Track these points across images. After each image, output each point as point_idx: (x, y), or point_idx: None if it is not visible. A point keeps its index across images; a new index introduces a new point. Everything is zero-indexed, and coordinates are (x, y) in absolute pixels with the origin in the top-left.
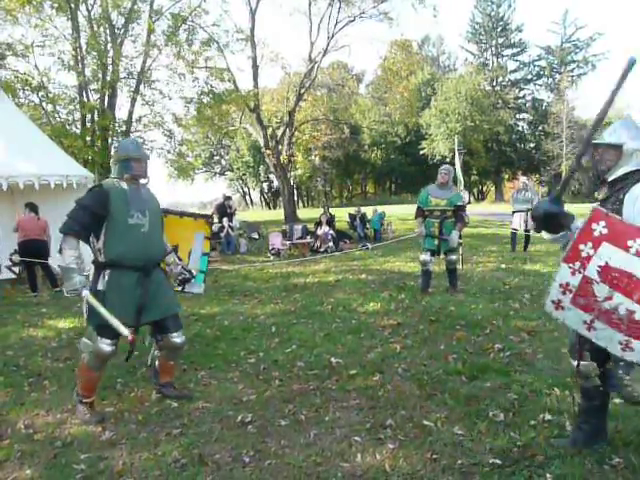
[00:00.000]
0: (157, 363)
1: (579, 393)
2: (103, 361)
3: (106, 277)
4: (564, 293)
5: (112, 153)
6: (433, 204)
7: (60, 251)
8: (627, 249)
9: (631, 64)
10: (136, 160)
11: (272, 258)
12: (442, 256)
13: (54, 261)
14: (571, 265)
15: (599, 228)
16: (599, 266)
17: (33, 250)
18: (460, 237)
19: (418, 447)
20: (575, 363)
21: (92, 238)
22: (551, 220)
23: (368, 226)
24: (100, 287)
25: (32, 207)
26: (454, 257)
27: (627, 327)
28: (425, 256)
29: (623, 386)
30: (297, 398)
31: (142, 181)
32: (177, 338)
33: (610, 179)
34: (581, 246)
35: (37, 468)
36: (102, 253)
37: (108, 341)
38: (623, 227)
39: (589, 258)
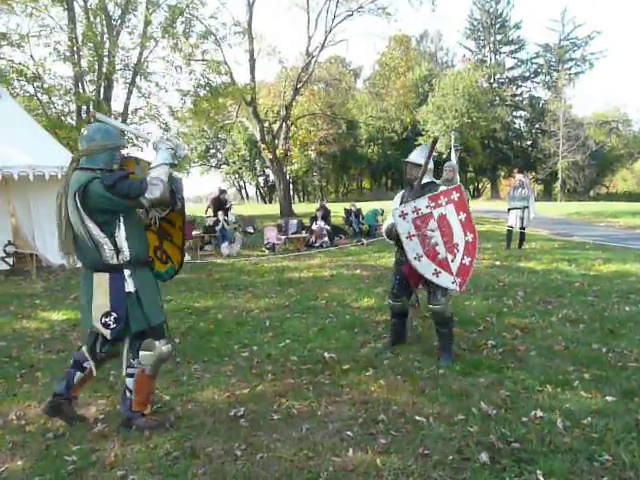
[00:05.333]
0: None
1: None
2: (163, 363)
3: (131, 277)
4: (413, 212)
5: (89, 140)
6: None
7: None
8: (458, 214)
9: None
10: (121, 149)
11: (267, 252)
12: None
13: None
14: (428, 202)
15: (455, 196)
16: (441, 213)
17: None
18: None
19: (410, 442)
20: (397, 303)
21: (102, 238)
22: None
23: (363, 221)
24: (130, 289)
25: None
26: None
27: (428, 250)
28: None
29: (437, 306)
30: (290, 392)
31: None
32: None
33: (423, 182)
34: (442, 197)
35: (28, 459)
36: (121, 251)
37: (165, 340)
38: (463, 203)
39: (440, 206)
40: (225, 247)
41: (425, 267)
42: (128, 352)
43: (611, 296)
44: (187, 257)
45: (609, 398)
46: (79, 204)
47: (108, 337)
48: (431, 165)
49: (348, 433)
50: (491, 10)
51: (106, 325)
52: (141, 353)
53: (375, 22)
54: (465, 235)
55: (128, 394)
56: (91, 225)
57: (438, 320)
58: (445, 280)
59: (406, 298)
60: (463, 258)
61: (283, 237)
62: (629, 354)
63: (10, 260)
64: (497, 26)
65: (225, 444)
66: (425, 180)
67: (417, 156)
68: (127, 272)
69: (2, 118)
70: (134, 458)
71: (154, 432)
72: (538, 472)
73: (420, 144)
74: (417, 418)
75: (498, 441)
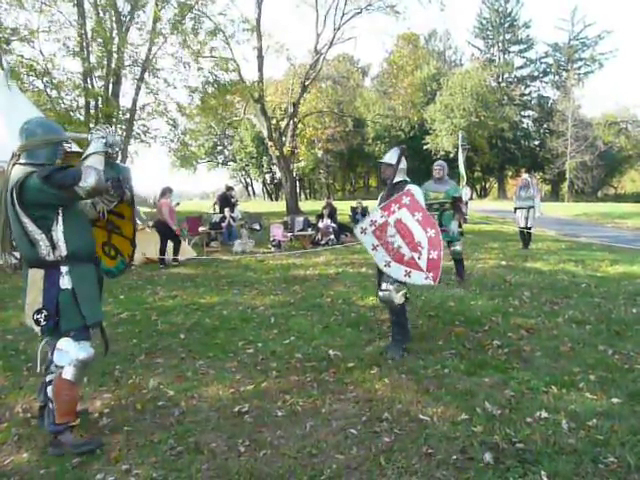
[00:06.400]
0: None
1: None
2: (86, 368)
3: (69, 274)
4: (371, 225)
5: (29, 135)
6: (432, 197)
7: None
8: (413, 215)
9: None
10: (63, 143)
11: (273, 249)
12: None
13: None
14: (383, 213)
15: (406, 200)
16: (397, 218)
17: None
18: (460, 227)
19: (413, 441)
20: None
21: (38, 235)
22: None
23: None
24: (66, 285)
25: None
26: (459, 248)
27: (394, 255)
28: None
29: (386, 293)
30: (294, 389)
31: None
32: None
33: (396, 181)
34: (393, 205)
35: (34, 452)
36: (58, 247)
37: (88, 342)
38: (416, 204)
39: (393, 213)
40: (238, 244)
41: (396, 271)
42: (43, 351)
43: (618, 298)
44: (193, 253)
45: (615, 400)
46: (15, 199)
47: (39, 334)
48: (403, 165)
49: (352, 431)
50: (500, 9)
51: (37, 322)
52: (56, 355)
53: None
54: (426, 232)
55: (50, 405)
56: (26, 221)
57: (388, 307)
58: (418, 278)
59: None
60: (430, 253)
61: (289, 234)
62: (635, 356)
63: (17, 254)
64: (506, 25)
65: (229, 440)
66: (398, 179)
67: (390, 157)
68: (64, 269)
69: (11, 112)
70: (138, 452)
71: (158, 427)
72: (542, 473)
73: (427, 143)
74: (421, 417)
75: (502, 441)
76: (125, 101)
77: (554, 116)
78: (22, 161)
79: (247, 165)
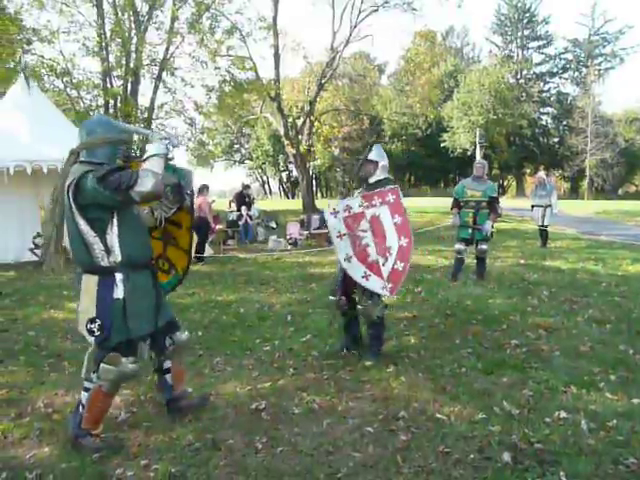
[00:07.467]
0: (161, 378)
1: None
2: (125, 382)
3: (122, 282)
4: (344, 210)
5: (89, 133)
6: (469, 195)
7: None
8: (393, 217)
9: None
10: (124, 144)
11: (289, 247)
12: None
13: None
14: (362, 201)
15: (390, 197)
16: (374, 214)
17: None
18: (493, 227)
19: (430, 440)
20: (336, 298)
21: (92, 237)
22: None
23: None
24: (118, 295)
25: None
26: (485, 247)
27: (359, 252)
28: (459, 245)
29: (364, 307)
30: (311, 387)
31: None
32: (184, 335)
33: (371, 181)
34: (376, 197)
35: (55, 446)
36: (112, 252)
37: (133, 359)
38: (399, 205)
39: (373, 206)
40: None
41: (355, 269)
42: (90, 359)
43: (639, 297)
44: (210, 251)
45: (635, 400)
46: (71, 199)
47: (91, 343)
48: (385, 162)
49: (368, 429)
50: (519, 5)
51: (90, 332)
52: (102, 366)
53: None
54: (399, 239)
55: (80, 409)
56: (81, 222)
57: (367, 321)
58: (375, 284)
59: (344, 297)
60: (396, 263)
61: (305, 232)
62: None
63: (39, 252)
64: (525, 21)
65: (246, 437)
66: (380, 177)
67: (377, 155)
68: (119, 276)
69: (32, 112)
70: (157, 448)
71: (176, 423)
72: (561, 474)
73: (444, 140)
74: (438, 416)
75: (520, 441)
76: (143, 100)
77: (574, 113)
78: (81, 159)
79: (264, 163)
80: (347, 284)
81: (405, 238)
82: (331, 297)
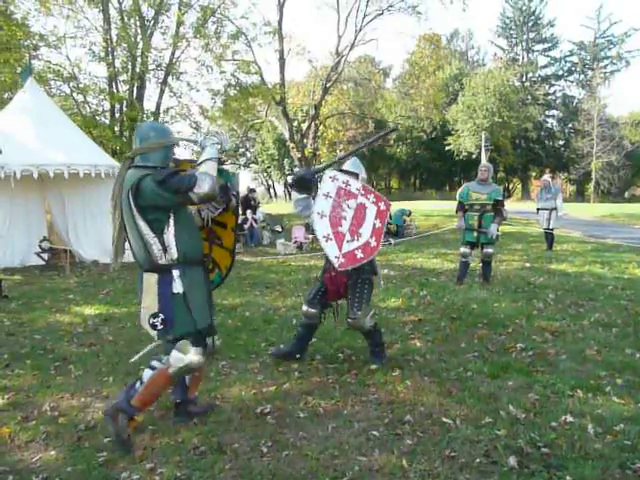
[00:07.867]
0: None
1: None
2: (188, 373)
3: (180, 278)
4: (343, 183)
5: (143, 138)
6: (473, 198)
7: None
8: (376, 218)
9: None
10: (175, 147)
11: (295, 251)
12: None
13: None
14: (359, 187)
15: (381, 204)
16: (364, 203)
17: None
18: (498, 230)
19: (436, 444)
20: (307, 308)
21: (152, 237)
22: (301, 182)
23: (391, 221)
24: (178, 290)
25: None
26: (491, 250)
27: (335, 227)
28: (465, 249)
29: (353, 320)
30: (316, 391)
31: None
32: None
33: None
34: (372, 195)
35: (61, 450)
36: (169, 250)
37: (200, 349)
38: (384, 214)
39: (367, 199)
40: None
41: (322, 226)
42: (151, 352)
43: None
44: None
45: None
46: (132, 202)
47: (155, 338)
48: (364, 175)
49: (374, 433)
50: (524, 8)
51: (153, 326)
52: (174, 352)
53: (406, 21)
54: (371, 237)
55: (138, 385)
56: (142, 223)
57: (361, 332)
58: (331, 250)
59: (320, 308)
60: (357, 250)
61: (311, 236)
62: None
63: (45, 255)
64: (530, 24)
65: (251, 440)
66: None
67: (354, 166)
68: (176, 272)
69: (39, 117)
70: (163, 451)
71: (182, 427)
72: (568, 478)
73: (449, 144)
74: (444, 420)
75: (527, 445)
76: (149, 104)
77: (579, 115)
78: (136, 164)
79: (269, 167)
80: (328, 297)
81: (375, 241)
82: (305, 307)
